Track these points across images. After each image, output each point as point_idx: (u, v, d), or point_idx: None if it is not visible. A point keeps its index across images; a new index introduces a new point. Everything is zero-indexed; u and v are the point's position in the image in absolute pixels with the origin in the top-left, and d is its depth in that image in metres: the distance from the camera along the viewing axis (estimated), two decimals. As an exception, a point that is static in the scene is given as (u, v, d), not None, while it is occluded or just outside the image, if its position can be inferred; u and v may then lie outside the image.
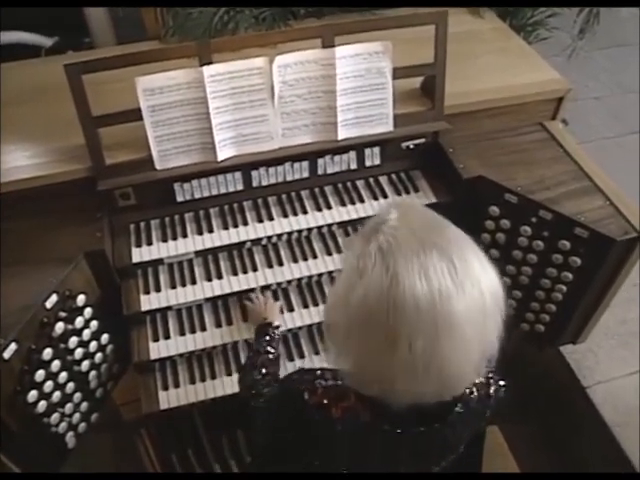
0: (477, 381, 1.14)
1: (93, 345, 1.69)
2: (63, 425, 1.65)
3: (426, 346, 0.92)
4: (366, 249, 0.97)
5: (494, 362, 1.06)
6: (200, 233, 1.84)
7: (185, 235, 1.83)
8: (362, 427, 1.11)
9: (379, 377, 0.99)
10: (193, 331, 1.77)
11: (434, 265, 0.92)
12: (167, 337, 1.75)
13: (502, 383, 1.28)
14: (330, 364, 1.15)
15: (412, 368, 0.94)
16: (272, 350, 1.55)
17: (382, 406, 1.04)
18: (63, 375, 1.60)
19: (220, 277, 1.81)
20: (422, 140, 1.97)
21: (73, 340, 1.61)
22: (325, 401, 1.14)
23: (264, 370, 1.46)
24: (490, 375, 1.20)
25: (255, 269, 1.83)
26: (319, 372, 1.19)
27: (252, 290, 1.81)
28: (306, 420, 1.16)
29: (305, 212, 1.90)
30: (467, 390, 1.13)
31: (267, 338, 1.59)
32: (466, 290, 0.93)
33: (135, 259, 1.77)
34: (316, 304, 1.84)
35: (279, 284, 1.83)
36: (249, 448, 2.27)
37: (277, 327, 1.67)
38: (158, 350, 1.73)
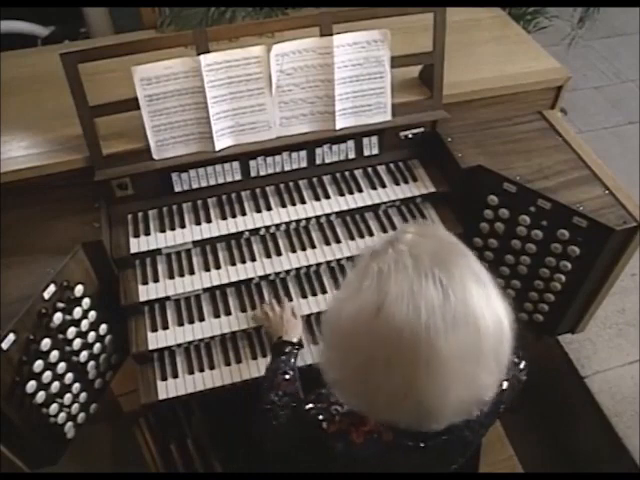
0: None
1: (91, 335, 1.69)
2: (62, 415, 1.66)
3: (404, 376, 0.91)
4: (368, 267, 0.96)
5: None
6: (198, 223, 1.83)
7: (183, 225, 1.83)
8: (385, 447, 1.09)
9: (358, 394, 0.99)
10: (191, 321, 1.77)
11: (426, 298, 0.89)
12: (165, 327, 1.75)
13: (522, 367, 1.27)
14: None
15: (387, 394, 0.93)
16: (289, 371, 1.51)
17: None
18: (62, 365, 1.60)
19: (218, 267, 1.81)
20: (420, 129, 1.96)
21: (71, 330, 1.61)
22: (345, 427, 1.11)
23: (281, 392, 1.43)
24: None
25: (253, 259, 1.82)
26: (333, 398, 1.15)
27: (250, 280, 1.81)
28: (326, 447, 1.13)
29: (303, 202, 1.89)
30: None
31: (283, 358, 1.56)
32: (458, 328, 0.89)
33: (133, 249, 1.77)
34: (314, 294, 1.83)
35: (277, 274, 1.83)
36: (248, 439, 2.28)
37: (294, 344, 1.63)
38: (156, 340, 1.73)
